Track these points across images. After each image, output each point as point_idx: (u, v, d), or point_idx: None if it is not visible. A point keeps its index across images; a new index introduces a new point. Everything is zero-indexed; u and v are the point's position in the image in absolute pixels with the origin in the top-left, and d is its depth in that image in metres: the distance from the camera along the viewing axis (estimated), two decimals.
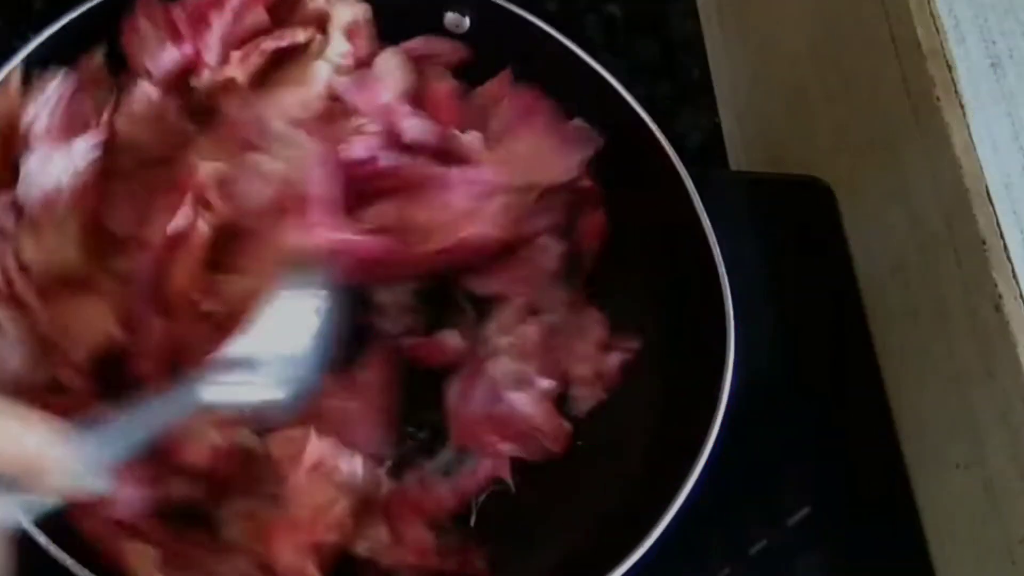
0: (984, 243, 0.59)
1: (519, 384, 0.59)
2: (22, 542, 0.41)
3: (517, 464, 0.59)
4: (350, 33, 0.61)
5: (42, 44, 0.58)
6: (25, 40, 0.58)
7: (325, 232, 0.55)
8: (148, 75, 0.58)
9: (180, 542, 0.53)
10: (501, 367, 0.60)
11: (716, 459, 0.54)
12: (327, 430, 0.55)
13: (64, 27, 0.58)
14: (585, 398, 0.61)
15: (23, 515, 0.42)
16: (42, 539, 0.48)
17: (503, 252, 0.61)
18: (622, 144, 0.63)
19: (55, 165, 0.56)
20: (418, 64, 0.63)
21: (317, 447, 0.54)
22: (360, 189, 0.58)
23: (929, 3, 0.64)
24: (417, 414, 0.59)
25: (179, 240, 0.55)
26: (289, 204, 0.56)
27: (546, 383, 0.60)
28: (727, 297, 0.59)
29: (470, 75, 0.65)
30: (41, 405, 0.42)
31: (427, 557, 0.55)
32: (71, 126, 0.57)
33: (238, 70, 0.58)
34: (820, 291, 0.71)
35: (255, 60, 0.59)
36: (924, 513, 0.64)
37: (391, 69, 0.62)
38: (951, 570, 0.62)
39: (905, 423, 0.66)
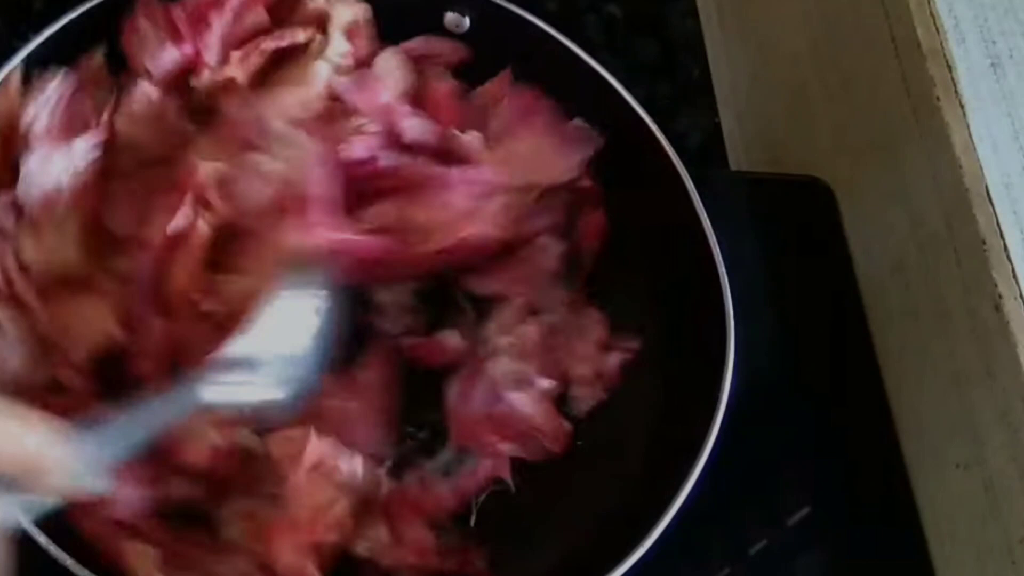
0: (984, 243, 0.59)
1: (519, 384, 0.59)
2: (22, 542, 0.41)
3: (517, 464, 0.59)
4: (350, 33, 0.61)
5: (42, 44, 0.58)
6: (25, 40, 0.58)
7: (325, 232, 0.55)
8: (148, 75, 0.58)
9: (180, 542, 0.53)
10: (501, 367, 0.60)
11: (716, 459, 0.54)
12: (327, 430, 0.55)
13: (64, 27, 0.58)
14: (585, 398, 0.61)
15: (23, 515, 0.42)
16: (42, 539, 0.48)
17: (503, 252, 0.61)
18: (622, 144, 0.63)
19: (55, 165, 0.56)
20: (418, 64, 0.63)
21: (317, 447, 0.54)
22: (360, 189, 0.58)
23: (929, 3, 0.64)
24: (417, 414, 0.59)
25: (179, 240, 0.55)
26: (289, 204, 0.56)
27: (546, 383, 0.60)
28: (727, 297, 0.59)
29: (470, 75, 0.65)
30: (41, 405, 0.42)
31: (427, 557, 0.55)
32: (71, 126, 0.57)
33: (238, 70, 0.58)
34: (820, 291, 0.71)
35: (255, 60, 0.59)
36: (924, 513, 0.64)
37: (391, 69, 0.62)
38: (951, 570, 0.62)
39: (905, 423, 0.66)
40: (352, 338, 0.58)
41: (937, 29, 0.63)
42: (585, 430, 0.60)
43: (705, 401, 0.56)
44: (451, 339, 0.61)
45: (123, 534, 0.51)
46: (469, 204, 0.59)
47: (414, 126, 0.60)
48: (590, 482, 0.59)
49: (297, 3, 0.61)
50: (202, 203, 0.55)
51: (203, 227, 0.55)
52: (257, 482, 0.54)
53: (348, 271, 0.57)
